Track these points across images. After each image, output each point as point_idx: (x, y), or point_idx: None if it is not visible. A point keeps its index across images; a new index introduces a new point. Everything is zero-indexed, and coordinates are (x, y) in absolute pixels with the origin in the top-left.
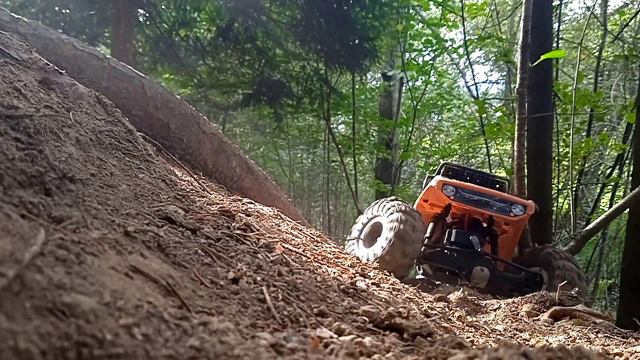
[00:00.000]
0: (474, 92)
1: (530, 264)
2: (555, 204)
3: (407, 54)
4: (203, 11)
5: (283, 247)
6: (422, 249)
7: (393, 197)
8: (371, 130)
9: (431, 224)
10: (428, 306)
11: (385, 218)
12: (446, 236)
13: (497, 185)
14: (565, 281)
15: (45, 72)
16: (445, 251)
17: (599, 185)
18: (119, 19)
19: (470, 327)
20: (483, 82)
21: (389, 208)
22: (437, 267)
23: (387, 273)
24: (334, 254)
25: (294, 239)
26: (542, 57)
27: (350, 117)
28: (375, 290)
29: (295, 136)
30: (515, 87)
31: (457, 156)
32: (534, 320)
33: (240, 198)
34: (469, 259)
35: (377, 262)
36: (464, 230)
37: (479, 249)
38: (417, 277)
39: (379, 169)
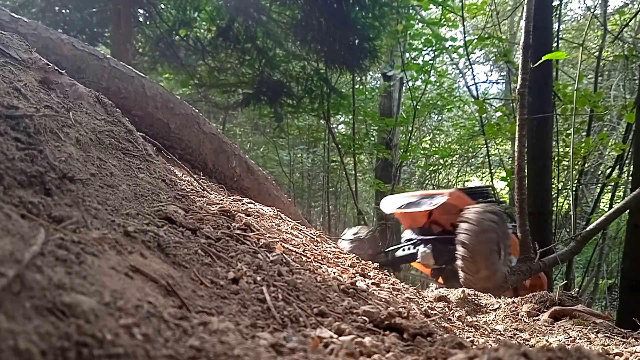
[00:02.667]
0: (474, 92)
1: None
2: (555, 204)
3: (407, 54)
4: (203, 11)
5: (283, 247)
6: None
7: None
8: (371, 130)
9: None
10: (428, 306)
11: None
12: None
13: (482, 194)
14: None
15: (45, 72)
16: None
17: (599, 185)
18: (119, 19)
19: (470, 327)
20: (483, 82)
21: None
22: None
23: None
24: (334, 254)
25: (294, 239)
26: (543, 58)
27: (350, 117)
28: (375, 290)
29: (295, 136)
30: (515, 87)
31: (457, 156)
32: (534, 320)
33: (240, 198)
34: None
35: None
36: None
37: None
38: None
39: (379, 169)
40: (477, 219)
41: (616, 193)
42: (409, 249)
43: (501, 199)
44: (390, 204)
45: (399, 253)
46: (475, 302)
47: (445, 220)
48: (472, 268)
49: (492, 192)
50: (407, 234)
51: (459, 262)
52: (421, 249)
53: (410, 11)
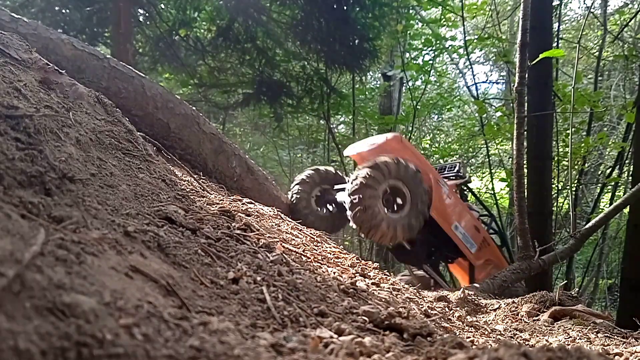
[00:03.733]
0: (474, 92)
1: None
2: (555, 204)
3: (407, 54)
4: (203, 11)
5: (283, 247)
6: None
7: None
8: (371, 130)
9: None
10: (428, 306)
11: None
12: None
13: (451, 168)
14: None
15: (45, 72)
16: None
17: (599, 185)
18: (119, 19)
19: (470, 327)
20: (483, 82)
21: None
22: None
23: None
24: (334, 254)
25: (294, 239)
26: (541, 56)
27: (350, 117)
28: (375, 290)
29: (295, 136)
30: (514, 86)
31: (457, 156)
32: (534, 320)
33: (240, 198)
34: None
35: None
36: None
37: None
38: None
39: None
40: (368, 168)
41: (616, 193)
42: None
43: (464, 174)
44: (350, 148)
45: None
46: (475, 302)
47: None
48: (357, 219)
49: (459, 168)
50: None
51: (348, 213)
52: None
53: (410, 11)
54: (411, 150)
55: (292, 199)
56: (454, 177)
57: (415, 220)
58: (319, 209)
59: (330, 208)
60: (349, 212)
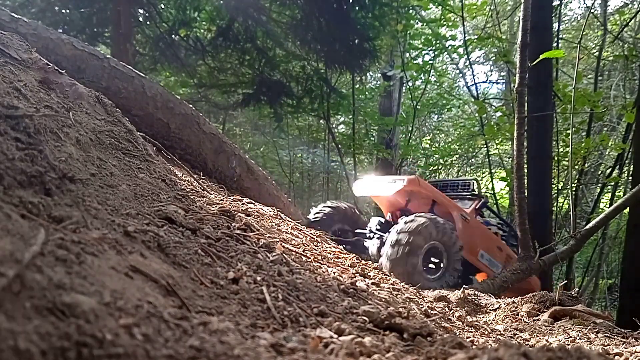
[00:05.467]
0: (473, 92)
1: None
2: (555, 204)
3: (407, 54)
4: (203, 11)
5: (283, 247)
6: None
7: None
8: (371, 130)
9: None
10: (428, 306)
11: None
12: None
13: (465, 186)
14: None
15: (45, 72)
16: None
17: (599, 185)
18: (119, 19)
19: (470, 327)
20: (483, 82)
21: None
22: None
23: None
24: (334, 254)
25: (294, 239)
26: (541, 57)
27: (350, 117)
28: (375, 290)
29: (295, 136)
30: (514, 86)
31: (457, 156)
32: (534, 320)
33: (240, 198)
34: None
35: None
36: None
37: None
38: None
39: (379, 169)
40: (412, 224)
41: (616, 193)
42: (371, 237)
43: (482, 194)
44: (363, 187)
45: (367, 242)
46: (475, 302)
47: (416, 208)
48: (393, 265)
49: (473, 186)
50: (376, 221)
51: (384, 258)
52: (374, 242)
53: (410, 11)
54: (429, 190)
55: None
56: (470, 197)
57: (450, 278)
58: None
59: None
60: (385, 254)
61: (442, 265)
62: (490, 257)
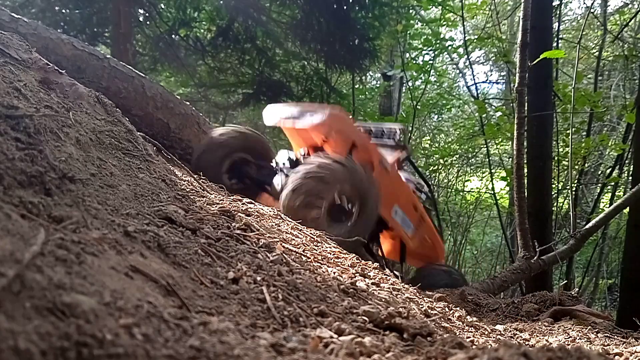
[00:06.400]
0: (473, 92)
1: None
2: (555, 204)
3: (407, 54)
4: (203, 11)
5: (283, 247)
6: None
7: None
8: None
9: None
10: (428, 306)
11: None
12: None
13: (391, 134)
14: None
15: (45, 72)
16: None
17: (599, 185)
18: (119, 19)
19: (470, 327)
20: (483, 82)
21: None
22: None
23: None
24: (334, 254)
25: (294, 239)
26: (541, 56)
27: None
28: (375, 290)
29: None
30: (514, 86)
31: (457, 156)
32: (533, 320)
33: (240, 198)
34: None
35: None
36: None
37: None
38: None
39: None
40: (319, 165)
41: (616, 193)
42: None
43: (407, 145)
44: (274, 114)
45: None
46: (475, 302)
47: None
48: (293, 213)
49: (399, 135)
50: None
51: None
52: (280, 179)
53: (410, 11)
54: (352, 131)
55: (197, 163)
56: (393, 147)
57: (362, 231)
58: (231, 180)
59: (244, 182)
60: (284, 198)
61: (354, 214)
62: (403, 214)
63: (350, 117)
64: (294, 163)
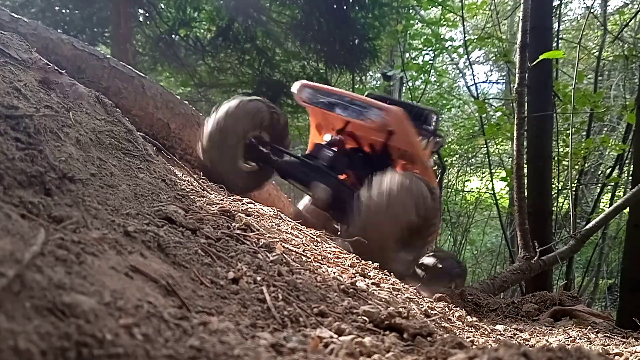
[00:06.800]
0: (473, 92)
1: None
2: (555, 204)
3: (407, 54)
4: (203, 11)
5: (283, 247)
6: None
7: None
8: None
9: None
10: (428, 306)
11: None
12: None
13: (421, 116)
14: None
15: (45, 72)
16: (290, 160)
17: (599, 185)
18: (119, 19)
19: (470, 327)
20: (483, 82)
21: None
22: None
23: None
24: (334, 254)
25: (294, 239)
26: (541, 57)
27: None
28: (375, 290)
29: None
30: (514, 86)
31: (457, 156)
32: (533, 320)
33: (240, 198)
34: (311, 173)
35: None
36: (327, 146)
37: (322, 164)
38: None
39: None
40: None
41: (616, 193)
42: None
43: (439, 135)
44: (309, 92)
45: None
46: (475, 302)
47: (365, 139)
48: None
49: (433, 119)
50: (319, 148)
51: (357, 217)
52: (314, 184)
53: (410, 11)
54: (413, 132)
55: (207, 150)
56: (429, 137)
57: (421, 254)
58: (246, 164)
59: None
60: (368, 218)
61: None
62: None
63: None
64: (338, 158)
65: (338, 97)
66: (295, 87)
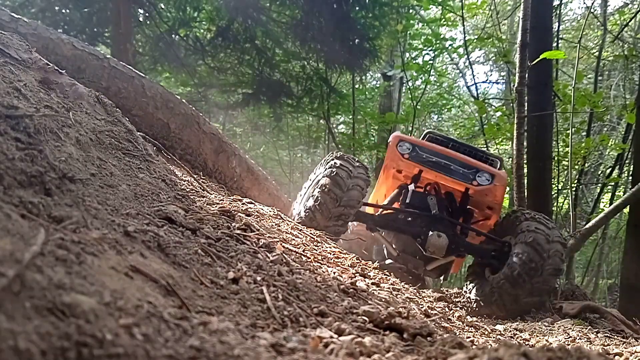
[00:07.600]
0: (473, 92)
1: (502, 233)
2: (555, 204)
3: (407, 54)
4: (203, 11)
5: (283, 247)
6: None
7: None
8: (371, 130)
9: (395, 192)
10: (428, 306)
11: (323, 169)
12: (402, 198)
13: (487, 162)
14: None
15: (45, 72)
16: (400, 215)
17: (599, 185)
18: (119, 19)
19: (470, 327)
20: (483, 82)
21: (330, 160)
22: (401, 248)
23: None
24: (334, 254)
25: (294, 239)
26: (541, 56)
27: (350, 117)
28: (375, 290)
29: (295, 136)
30: (514, 86)
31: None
32: (539, 318)
33: (240, 198)
34: (424, 223)
35: (307, 214)
36: (422, 192)
37: (435, 212)
38: (387, 262)
39: (379, 168)
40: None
41: (616, 193)
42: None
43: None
44: (410, 149)
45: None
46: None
47: (444, 187)
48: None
49: (498, 165)
50: (418, 195)
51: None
52: (433, 236)
53: (410, 11)
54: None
55: (347, 201)
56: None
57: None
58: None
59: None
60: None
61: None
62: None
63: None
64: (440, 205)
65: (445, 157)
66: (392, 140)
